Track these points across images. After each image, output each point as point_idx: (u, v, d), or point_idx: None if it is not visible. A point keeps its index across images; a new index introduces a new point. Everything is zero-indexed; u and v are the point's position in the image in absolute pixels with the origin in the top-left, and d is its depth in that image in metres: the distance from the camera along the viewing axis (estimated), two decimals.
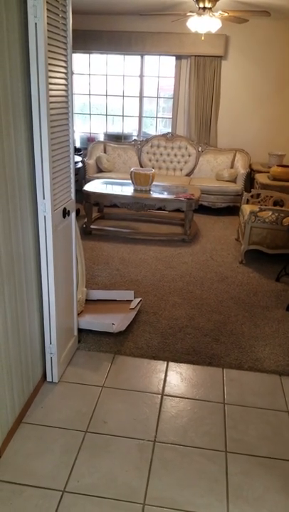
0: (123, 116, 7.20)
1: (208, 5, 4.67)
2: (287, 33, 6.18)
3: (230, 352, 2.97)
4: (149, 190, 5.30)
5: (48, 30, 1.95)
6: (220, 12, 4.78)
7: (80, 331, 3.05)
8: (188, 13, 4.89)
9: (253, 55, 6.39)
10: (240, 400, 2.55)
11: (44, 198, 2.17)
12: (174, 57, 6.63)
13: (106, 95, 7.10)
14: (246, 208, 4.71)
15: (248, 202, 5.05)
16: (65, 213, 2.41)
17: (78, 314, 3.16)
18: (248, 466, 2.10)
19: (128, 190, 5.29)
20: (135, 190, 5.28)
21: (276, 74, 6.42)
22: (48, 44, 1.97)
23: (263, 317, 3.45)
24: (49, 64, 2.00)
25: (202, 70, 6.47)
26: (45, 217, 2.20)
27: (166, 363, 2.85)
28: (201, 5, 4.68)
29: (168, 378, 2.71)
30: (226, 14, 4.83)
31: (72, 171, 2.48)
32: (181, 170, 6.75)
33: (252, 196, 5.09)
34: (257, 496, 1.94)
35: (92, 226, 5.29)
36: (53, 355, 2.52)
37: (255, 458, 2.15)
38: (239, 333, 3.20)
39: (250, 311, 3.54)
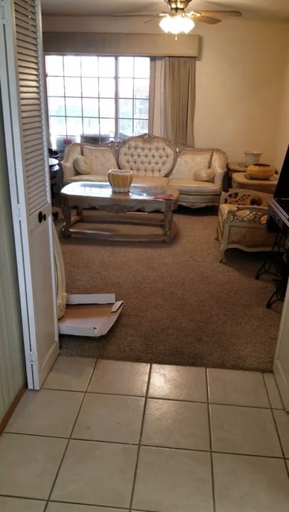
0: (99, 118, 7.17)
1: (180, 5, 4.69)
2: (260, 32, 6.26)
3: (213, 351, 2.98)
4: (128, 191, 5.29)
5: (17, 32, 1.92)
6: (192, 12, 4.81)
7: (61, 336, 3.00)
8: (161, 14, 4.90)
9: (226, 55, 6.45)
10: (223, 399, 2.55)
11: (18, 203, 2.13)
12: (148, 58, 6.63)
13: (81, 97, 7.05)
14: (224, 208, 4.74)
15: (226, 201, 5.08)
16: (41, 217, 2.37)
17: (59, 320, 3.12)
18: (234, 465, 2.10)
19: (107, 193, 5.27)
20: (114, 192, 5.26)
21: (250, 73, 6.49)
22: (18, 46, 1.93)
23: (243, 315, 3.47)
24: (19, 66, 1.97)
25: (177, 71, 6.50)
26: (20, 222, 2.16)
27: (149, 365, 2.84)
28: (173, 5, 4.69)
29: (151, 380, 2.69)
30: (199, 15, 4.86)
31: (47, 174, 2.44)
32: (159, 171, 6.76)
33: (230, 195, 5.12)
34: (243, 494, 1.94)
35: (71, 229, 5.25)
36: (33, 362, 2.48)
37: (241, 456, 2.15)
38: (221, 332, 3.21)
39: (231, 309, 3.55)
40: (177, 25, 4.81)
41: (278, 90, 6.50)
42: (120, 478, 2.01)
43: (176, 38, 5.71)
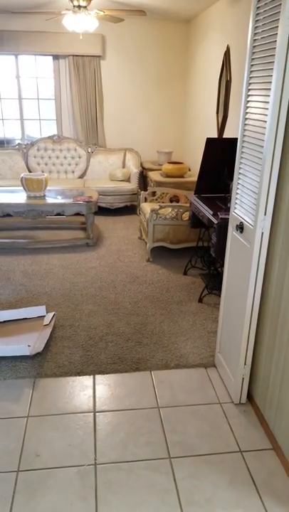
0: (2, 119, 6.75)
1: (82, 3, 4.57)
2: (161, 32, 6.35)
3: (155, 353, 2.93)
4: (44, 195, 5.05)
5: None
6: (96, 11, 4.71)
7: None
8: (64, 12, 4.74)
9: (130, 54, 6.45)
10: (173, 400, 2.52)
11: None
12: (50, 57, 6.40)
13: None
14: (146, 207, 4.73)
15: (146, 200, 5.08)
16: None
17: None
18: (194, 468, 2.07)
19: (21, 198, 4.97)
20: (29, 197, 4.98)
21: (155, 72, 6.57)
22: None
23: (179, 312, 3.48)
24: None
25: (82, 70, 6.35)
26: None
27: (92, 376, 2.70)
28: (76, 3, 4.56)
29: (97, 393, 2.56)
30: (102, 13, 4.78)
31: None
32: (73, 172, 6.56)
33: (148, 194, 5.14)
34: (208, 497, 1.92)
35: None
36: None
37: (199, 457, 2.13)
38: (160, 332, 3.18)
39: (166, 308, 3.54)
40: (81, 23, 4.68)
41: (183, 88, 6.67)
42: (81, 505, 1.87)
43: (81, 37, 5.56)
